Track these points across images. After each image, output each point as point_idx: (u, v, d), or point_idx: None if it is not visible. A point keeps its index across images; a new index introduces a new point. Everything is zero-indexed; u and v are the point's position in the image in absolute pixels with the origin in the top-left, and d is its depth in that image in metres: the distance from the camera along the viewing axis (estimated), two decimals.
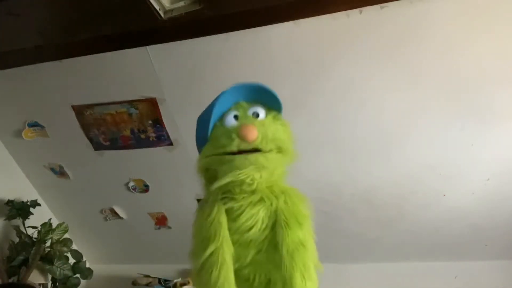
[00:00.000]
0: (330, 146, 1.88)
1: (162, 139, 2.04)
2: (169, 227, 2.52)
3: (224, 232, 0.98)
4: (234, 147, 0.94)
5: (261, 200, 1.00)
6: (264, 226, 0.99)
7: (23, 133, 2.15)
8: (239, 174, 0.94)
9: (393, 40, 1.51)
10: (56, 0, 1.52)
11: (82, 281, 2.49)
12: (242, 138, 0.92)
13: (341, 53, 1.58)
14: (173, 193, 2.31)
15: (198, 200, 2.33)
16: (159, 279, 2.57)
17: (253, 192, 0.99)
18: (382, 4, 1.40)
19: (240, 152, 0.95)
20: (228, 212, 1.01)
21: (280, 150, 0.99)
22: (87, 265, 2.63)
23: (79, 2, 1.50)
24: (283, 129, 1.01)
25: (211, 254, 0.96)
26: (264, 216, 0.99)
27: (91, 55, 1.75)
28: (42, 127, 2.16)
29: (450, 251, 2.22)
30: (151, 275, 2.61)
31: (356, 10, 1.44)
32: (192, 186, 2.15)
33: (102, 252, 2.83)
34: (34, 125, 2.15)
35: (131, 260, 2.77)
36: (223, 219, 0.99)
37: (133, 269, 2.67)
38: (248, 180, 0.95)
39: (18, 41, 1.69)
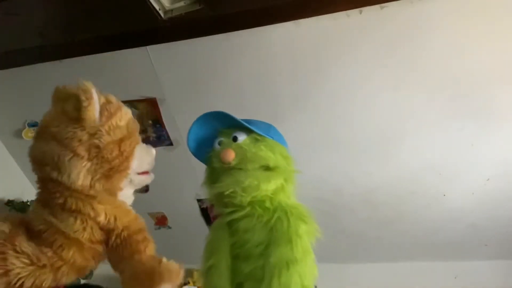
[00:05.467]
0: (330, 146, 1.88)
1: (162, 139, 2.03)
2: (169, 227, 2.51)
3: (224, 247, 1.06)
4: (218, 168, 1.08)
5: (255, 214, 1.04)
6: (260, 240, 1.02)
7: (23, 133, 2.15)
8: (220, 186, 1.04)
9: (393, 40, 1.51)
10: (56, 0, 1.52)
11: (82, 281, 2.49)
12: (221, 161, 1.06)
13: (341, 53, 1.58)
14: (173, 193, 2.30)
15: (198, 200, 2.33)
16: None
17: (242, 206, 1.03)
18: (382, 4, 1.40)
19: None
20: (230, 226, 1.08)
21: (267, 168, 1.04)
22: None
23: (79, 2, 1.50)
24: (267, 149, 1.05)
25: (210, 266, 1.06)
26: (260, 232, 1.02)
27: (91, 55, 1.75)
28: None
29: (450, 251, 2.22)
30: None
31: (356, 10, 1.44)
32: (192, 186, 2.15)
33: None
34: (34, 125, 2.15)
35: None
36: (225, 234, 1.08)
37: None
38: (228, 193, 1.02)
39: (18, 41, 1.69)
